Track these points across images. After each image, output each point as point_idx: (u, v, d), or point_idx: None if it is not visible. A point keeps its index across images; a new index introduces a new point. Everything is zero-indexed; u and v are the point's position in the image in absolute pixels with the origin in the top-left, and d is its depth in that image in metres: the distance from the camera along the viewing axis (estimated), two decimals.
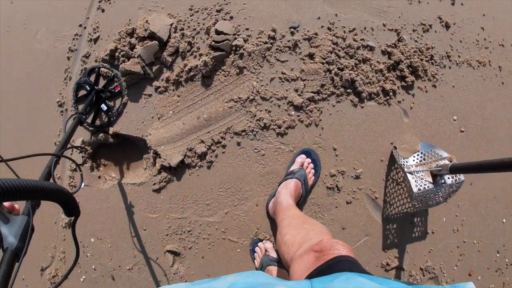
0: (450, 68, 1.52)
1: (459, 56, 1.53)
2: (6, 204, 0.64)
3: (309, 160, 1.43)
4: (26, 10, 1.92)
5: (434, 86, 1.50)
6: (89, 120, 1.58)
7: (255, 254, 1.48)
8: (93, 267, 1.70)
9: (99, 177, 1.64)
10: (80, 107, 1.63)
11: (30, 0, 1.91)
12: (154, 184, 1.55)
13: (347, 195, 1.47)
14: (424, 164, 1.34)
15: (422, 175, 1.31)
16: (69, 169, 1.69)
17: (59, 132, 1.71)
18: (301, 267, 0.76)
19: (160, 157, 1.51)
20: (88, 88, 1.58)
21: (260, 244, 1.48)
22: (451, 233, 1.51)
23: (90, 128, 1.59)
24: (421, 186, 1.28)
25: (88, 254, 1.70)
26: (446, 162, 1.31)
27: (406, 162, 1.37)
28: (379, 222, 1.47)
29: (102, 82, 1.61)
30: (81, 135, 1.66)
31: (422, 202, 1.33)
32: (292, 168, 1.42)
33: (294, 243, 0.92)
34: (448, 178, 1.28)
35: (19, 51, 1.87)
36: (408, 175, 1.31)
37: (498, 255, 1.55)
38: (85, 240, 1.69)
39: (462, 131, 1.52)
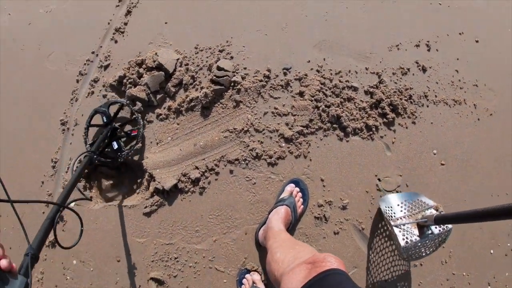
0: (428, 106, 1.73)
1: (436, 96, 1.75)
2: (3, 263, 0.60)
3: (297, 189, 1.53)
4: (43, 32, 2.12)
5: (414, 122, 1.69)
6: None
7: (242, 286, 1.49)
8: None
9: (91, 197, 1.69)
10: (91, 137, 1.69)
11: (49, 23, 2.12)
12: (146, 207, 1.61)
13: (334, 226, 1.56)
14: (410, 215, 1.35)
15: (408, 227, 1.31)
16: (62, 186, 1.74)
17: (58, 149, 1.79)
18: (293, 280, 0.78)
19: (154, 180, 1.59)
20: (105, 120, 1.62)
21: (247, 275, 1.49)
22: (440, 265, 1.57)
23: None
24: (408, 239, 1.28)
25: (68, 277, 1.67)
26: (433, 211, 1.33)
27: (394, 214, 1.38)
28: (366, 253, 1.54)
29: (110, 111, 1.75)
30: (78, 154, 1.74)
31: (411, 256, 1.34)
32: (282, 196, 1.52)
33: (285, 260, 0.95)
34: (436, 228, 1.28)
35: (30, 69, 2.01)
36: (395, 228, 1.31)
37: (489, 287, 1.59)
38: (67, 261, 1.67)
39: (442, 164, 1.67)
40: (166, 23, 1.86)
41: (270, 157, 1.60)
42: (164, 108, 1.69)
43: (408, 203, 1.41)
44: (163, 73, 1.67)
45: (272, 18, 1.82)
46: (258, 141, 1.62)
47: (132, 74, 1.70)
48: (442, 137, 1.71)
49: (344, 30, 1.82)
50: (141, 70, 1.70)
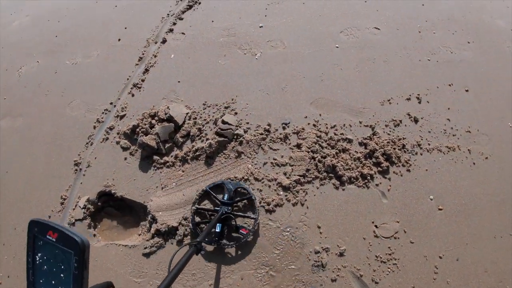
0: (421, 154, 1.91)
1: (429, 144, 1.93)
2: None
3: None
4: (67, 81, 2.51)
5: (409, 170, 1.87)
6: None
7: None
8: None
9: (94, 235, 1.89)
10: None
11: (73, 74, 2.53)
12: (145, 248, 1.78)
13: (331, 273, 1.66)
14: None
15: None
16: (68, 222, 1.95)
17: (68, 187, 2.03)
18: None
19: (156, 222, 1.80)
20: (225, 199, 1.69)
21: None
22: None
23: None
24: None
25: None
26: None
27: None
28: None
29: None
30: (87, 194, 1.99)
31: None
32: None
33: None
34: None
35: (52, 112, 2.36)
36: None
37: None
38: None
39: (440, 209, 1.78)
40: (179, 81, 2.25)
41: (268, 204, 1.80)
42: (172, 156, 1.96)
43: None
44: (173, 124, 1.98)
45: (273, 79, 2.19)
46: (257, 189, 1.84)
47: (145, 124, 2.02)
48: (438, 183, 1.83)
49: (339, 89, 2.15)
50: (153, 121, 2.02)
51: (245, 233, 1.68)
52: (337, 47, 2.33)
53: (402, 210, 1.78)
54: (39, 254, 0.56)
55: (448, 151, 1.93)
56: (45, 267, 0.56)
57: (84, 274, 0.53)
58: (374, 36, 2.40)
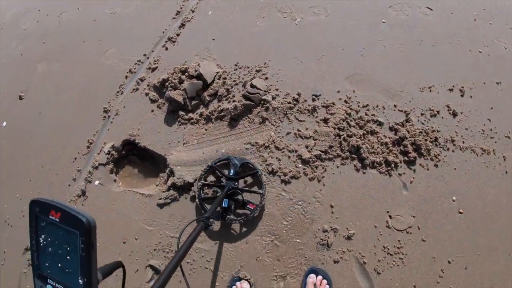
0: (453, 151, 1.75)
1: (463, 142, 1.76)
2: None
3: (320, 277, 1.54)
4: (105, 30, 2.51)
5: (436, 165, 1.73)
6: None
7: None
8: None
9: (115, 180, 1.94)
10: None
11: (111, 23, 2.52)
12: (160, 199, 1.81)
13: (335, 254, 1.62)
14: None
15: None
16: (92, 165, 2.02)
17: (96, 132, 2.08)
18: None
19: (173, 176, 1.81)
20: (231, 174, 1.65)
21: (238, 283, 1.59)
22: None
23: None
24: None
25: None
26: None
27: None
28: None
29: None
30: (113, 141, 2.03)
31: None
32: None
33: None
34: None
35: (88, 59, 2.38)
36: None
37: None
38: None
39: (460, 212, 1.65)
40: (213, 39, 2.15)
41: (285, 175, 1.74)
42: (197, 113, 1.92)
43: None
44: (201, 82, 1.92)
45: (311, 48, 2.03)
46: (276, 158, 1.78)
47: (174, 79, 1.97)
48: (464, 185, 1.69)
49: (378, 67, 1.97)
50: (183, 77, 1.97)
51: (252, 208, 1.64)
52: (383, 22, 2.11)
53: (420, 205, 1.67)
54: (43, 236, 0.51)
55: (482, 154, 1.76)
56: (50, 249, 0.52)
57: (92, 255, 0.48)
58: (425, 16, 2.15)
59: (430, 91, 1.90)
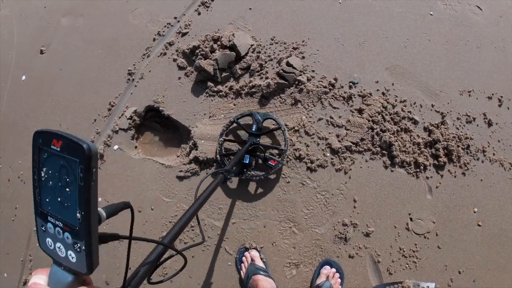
0: (482, 162, 1.57)
1: (493, 154, 1.58)
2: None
3: (333, 270, 1.42)
4: None
5: (464, 174, 1.55)
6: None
7: (241, 264, 1.45)
8: None
9: (136, 147, 1.73)
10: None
11: None
12: (181, 171, 1.61)
13: (352, 249, 1.47)
14: None
15: None
16: (112, 129, 1.79)
17: (118, 95, 1.85)
18: None
19: (196, 149, 1.59)
20: (253, 130, 1.47)
21: (246, 253, 1.46)
22: None
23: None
24: None
25: None
26: None
27: None
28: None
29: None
30: (135, 105, 1.79)
31: None
32: (318, 282, 1.39)
33: None
34: None
35: (115, 17, 2.08)
36: None
37: None
38: None
39: (479, 225, 1.51)
40: (250, 9, 1.85)
41: (312, 162, 1.53)
42: (226, 86, 1.68)
43: None
44: (234, 54, 1.65)
45: (353, 31, 1.75)
46: (305, 143, 1.56)
47: (206, 47, 1.70)
48: (488, 198, 1.54)
49: (420, 61, 1.71)
50: (215, 46, 1.70)
51: (273, 164, 1.46)
52: (431, 14, 1.81)
53: (442, 212, 1.51)
54: (44, 169, 0.42)
55: (510, 169, 1.58)
56: (51, 182, 0.41)
57: (91, 186, 0.39)
58: (474, 15, 1.85)
59: (469, 95, 1.67)
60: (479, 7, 1.88)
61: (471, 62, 1.74)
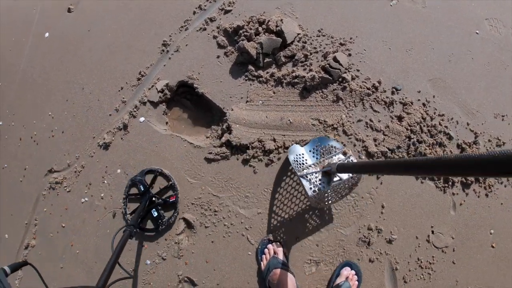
0: (505, 186, 1.54)
1: None
2: None
3: (353, 272, 1.38)
4: None
5: (487, 195, 1.51)
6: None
7: (263, 255, 1.38)
8: (102, 195, 1.58)
9: (167, 123, 1.59)
10: (130, 207, 1.54)
11: None
12: (210, 153, 1.50)
13: (373, 254, 1.42)
14: (319, 162, 1.22)
15: (317, 175, 1.17)
16: (139, 100, 1.65)
17: (150, 65, 1.70)
18: None
19: (230, 133, 1.48)
20: (142, 189, 1.48)
21: (269, 245, 1.39)
22: None
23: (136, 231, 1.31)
24: (316, 187, 1.16)
25: (105, 181, 1.59)
26: (341, 157, 1.22)
27: (306, 161, 1.25)
28: None
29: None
30: (167, 78, 1.65)
31: (321, 201, 1.23)
32: (337, 282, 1.35)
33: None
34: (345, 174, 1.14)
35: None
36: (302, 179, 1.17)
37: None
38: (112, 167, 1.58)
39: (493, 247, 1.49)
40: None
41: None
42: (267, 73, 1.55)
43: (320, 148, 1.28)
44: (280, 40, 1.53)
45: (401, 36, 1.66)
46: (341, 142, 1.48)
47: (250, 29, 1.57)
48: (504, 221, 1.53)
49: (462, 78, 1.63)
50: (260, 29, 1.57)
51: (173, 199, 1.47)
52: (477, 33, 1.74)
53: (461, 229, 1.48)
54: None
55: None
56: None
57: None
58: None
59: (503, 120, 1.63)
60: None
61: (508, 86, 1.69)
